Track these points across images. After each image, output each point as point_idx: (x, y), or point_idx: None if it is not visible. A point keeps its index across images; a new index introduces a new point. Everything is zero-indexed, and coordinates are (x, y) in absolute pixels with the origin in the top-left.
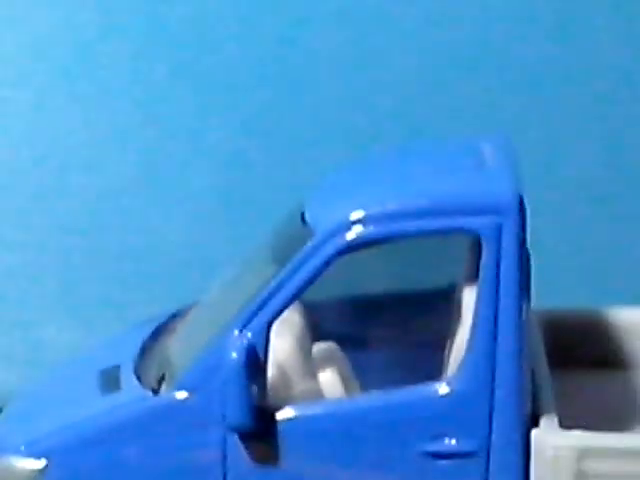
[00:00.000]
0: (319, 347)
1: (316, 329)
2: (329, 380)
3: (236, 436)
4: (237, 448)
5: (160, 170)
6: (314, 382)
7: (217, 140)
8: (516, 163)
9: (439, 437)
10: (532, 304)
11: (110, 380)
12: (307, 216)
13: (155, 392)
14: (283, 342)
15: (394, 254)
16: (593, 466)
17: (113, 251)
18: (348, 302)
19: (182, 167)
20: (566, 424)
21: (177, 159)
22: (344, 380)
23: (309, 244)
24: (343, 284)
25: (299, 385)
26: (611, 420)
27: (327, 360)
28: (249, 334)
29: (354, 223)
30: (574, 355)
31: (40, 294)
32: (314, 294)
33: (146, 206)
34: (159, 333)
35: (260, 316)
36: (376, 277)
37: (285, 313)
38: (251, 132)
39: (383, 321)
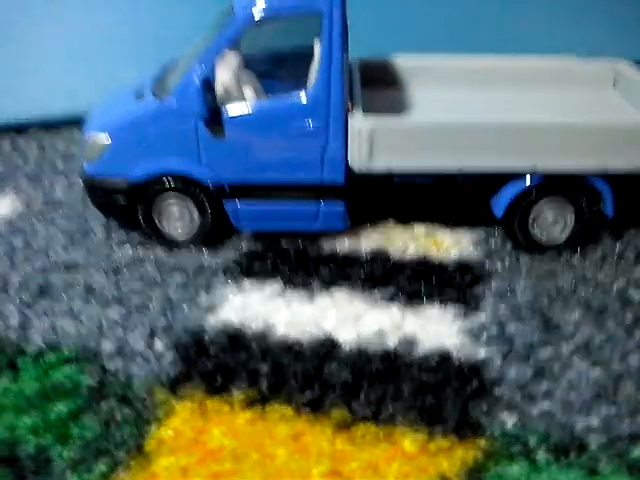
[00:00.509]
0: (244, 75)
1: (245, 65)
2: (248, 93)
3: (201, 122)
4: (203, 129)
5: None
6: (241, 93)
7: None
8: None
9: (304, 119)
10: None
11: (139, 95)
12: (234, 6)
13: (161, 100)
14: (225, 72)
15: (284, 29)
16: (379, 134)
17: None
18: (262, 54)
19: None
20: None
21: None
22: (257, 93)
23: (232, 19)
24: (258, 46)
25: (233, 95)
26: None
27: (248, 82)
28: (204, 66)
29: (256, 8)
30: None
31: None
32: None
33: None
34: (164, 71)
35: (208, 58)
36: (275, 42)
37: (227, 56)
38: None
39: (279, 65)
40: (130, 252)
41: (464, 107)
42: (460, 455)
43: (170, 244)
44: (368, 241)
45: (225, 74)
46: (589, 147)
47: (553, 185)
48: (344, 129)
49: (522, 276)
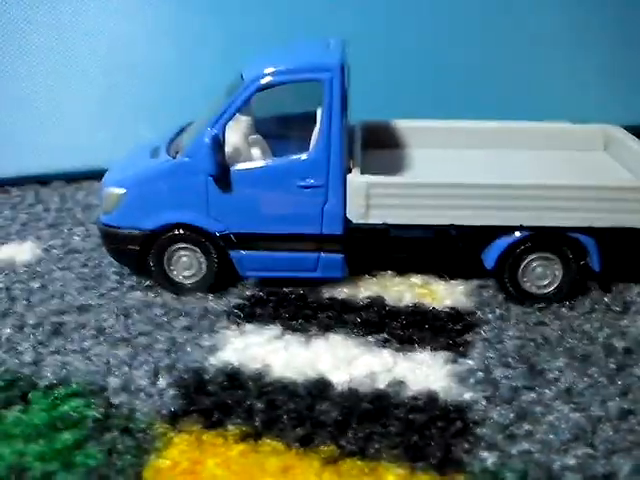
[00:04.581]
0: (254, 137)
1: (257, 128)
2: (256, 153)
3: (211, 179)
4: (212, 184)
5: None
6: (249, 153)
7: None
8: (344, 48)
9: (305, 178)
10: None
11: (154, 153)
12: (243, 75)
13: (174, 158)
14: (235, 134)
15: (288, 94)
16: (375, 191)
17: None
18: (273, 118)
19: None
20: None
21: None
22: (264, 153)
23: (242, 86)
24: (265, 109)
25: (241, 155)
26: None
27: (257, 143)
28: (214, 129)
29: (263, 76)
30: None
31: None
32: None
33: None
34: (178, 132)
35: (220, 121)
36: (281, 107)
37: (238, 120)
38: None
39: (289, 127)
40: (140, 296)
41: (461, 167)
42: None
43: (178, 289)
44: (366, 289)
45: (235, 136)
46: (572, 205)
47: (540, 240)
48: (343, 186)
49: (511, 325)
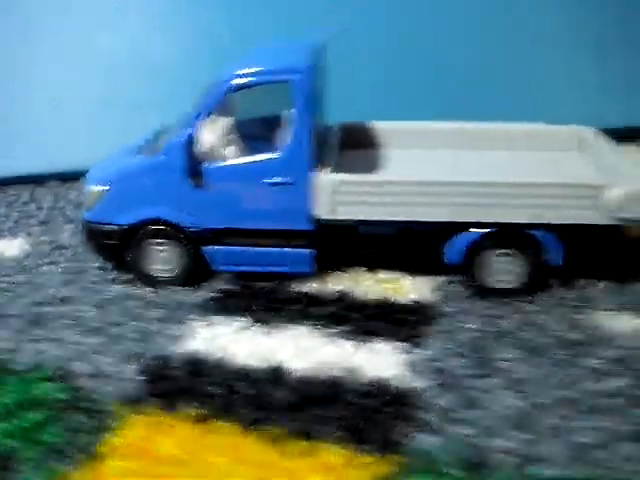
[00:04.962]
0: (230, 137)
1: (234, 129)
2: (230, 151)
3: (185, 176)
4: (187, 182)
5: None
6: (223, 152)
7: None
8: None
9: (275, 176)
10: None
11: (133, 153)
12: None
13: (151, 157)
14: (211, 133)
15: (261, 96)
16: (341, 189)
17: None
18: (250, 119)
19: None
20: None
21: None
22: (239, 152)
23: (215, 87)
24: (243, 111)
25: (216, 153)
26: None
27: (232, 142)
28: (189, 129)
29: (234, 77)
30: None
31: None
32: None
33: None
34: (157, 133)
35: (194, 121)
36: (255, 108)
37: (217, 120)
38: None
39: (265, 129)
40: (118, 289)
41: (433, 167)
42: (376, 469)
43: (155, 283)
44: (335, 284)
45: (212, 135)
46: (530, 202)
47: (500, 236)
48: (311, 184)
49: (470, 318)
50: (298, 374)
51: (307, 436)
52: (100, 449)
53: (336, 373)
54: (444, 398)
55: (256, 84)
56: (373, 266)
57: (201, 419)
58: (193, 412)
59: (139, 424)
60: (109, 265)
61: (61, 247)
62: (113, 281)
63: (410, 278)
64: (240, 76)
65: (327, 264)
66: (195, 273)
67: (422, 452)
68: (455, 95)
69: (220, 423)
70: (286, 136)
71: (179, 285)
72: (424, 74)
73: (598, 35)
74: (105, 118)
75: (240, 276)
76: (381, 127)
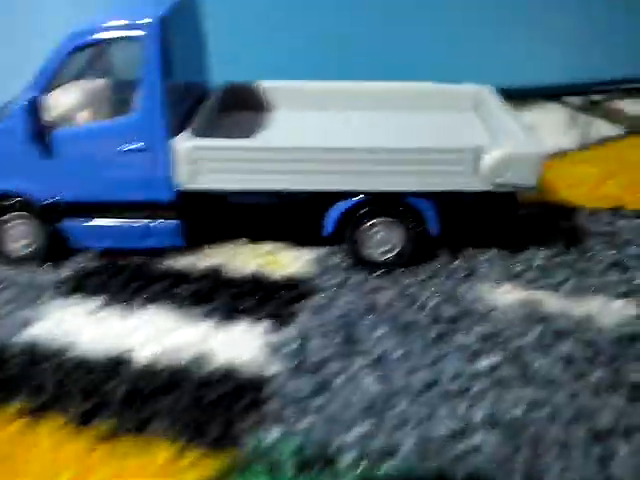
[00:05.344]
0: (83, 100)
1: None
2: (84, 116)
3: (32, 144)
4: (34, 151)
5: None
6: (77, 118)
7: None
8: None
9: (128, 142)
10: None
11: None
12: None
13: None
14: (63, 97)
15: (123, 55)
16: (201, 154)
17: None
18: (109, 81)
19: None
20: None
21: None
22: (93, 117)
23: (57, 47)
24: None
25: (69, 118)
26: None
27: (89, 106)
28: (32, 92)
29: (77, 36)
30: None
31: None
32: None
33: None
34: (8, 102)
35: (37, 84)
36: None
37: (81, 82)
38: None
39: (121, 90)
40: None
41: (312, 131)
42: (206, 467)
43: (11, 261)
44: (210, 259)
45: (63, 99)
46: (404, 169)
47: (377, 205)
48: (169, 149)
49: (345, 293)
50: (142, 362)
51: (139, 432)
52: None
53: (184, 359)
54: (295, 384)
55: (98, 42)
56: (251, 238)
57: (26, 413)
58: (19, 406)
59: None
60: None
61: None
62: None
63: (292, 251)
64: (81, 34)
65: (204, 237)
66: (55, 250)
67: (261, 447)
68: (355, 52)
69: (47, 418)
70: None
71: (38, 262)
72: (317, 30)
73: None
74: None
75: (106, 253)
76: (268, 87)
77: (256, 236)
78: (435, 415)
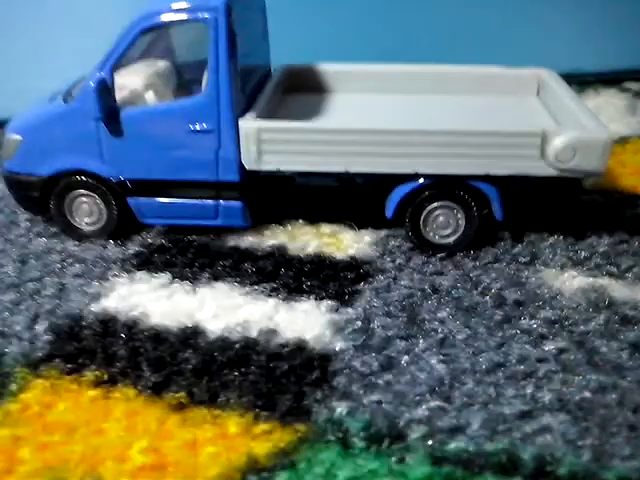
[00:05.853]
0: (152, 81)
1: (169, 73)
2: (151, 96)
3: (102, 124)
4: (104, 130)
5: None
6: (144, 98)
7: None
8: None
9: (196, 122)
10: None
11: (52, 99)
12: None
13: (66, 104)
14: (132, 77)
15: (186, 37)
16: (266, 136)
17: None
18: (179, 62)
19: None
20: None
21: None
22: (162, 97)
23: (126, 29)
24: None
25: (137, 98)
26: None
27: (153, 87)
28: (101, 73)
29: (145, 18)
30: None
31: None
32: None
33: None
34: (77, 81)
35: (106, 65)
36: (182, 50)
37: (145, 64)
38: None
39: (191, 71)
40: (43, 243)
41: (377, 113)
42: (277, 438)
43: (80, 236)
44: (272, 238)
45: (131, 79)
46: (469, 152)
47: (440, 188)
48: (235, 131)
49: (407, 274)
50: (211, 335)
51: (210, 403)
52: None
53: (252, 334)
54: (361, 361)
55: (167, 24)
56: (315, 219)
57: (102, 383)
58: (92, 375)
59: (39, 387)
60: (38, 218)
61: None
62: (39, 235)
63: (351, 232)
64: (150, 16)
65: (265, 217)
66: (123, 226)
67: (328, 420)
68: (414, 37)
69: (121, 388)
70: (205, 80)
71: (106, 238)
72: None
73: None
74: (46, 66)
75: (172, 230)
76: (328, 69)
77: (317, 217)
78: (502, 396)
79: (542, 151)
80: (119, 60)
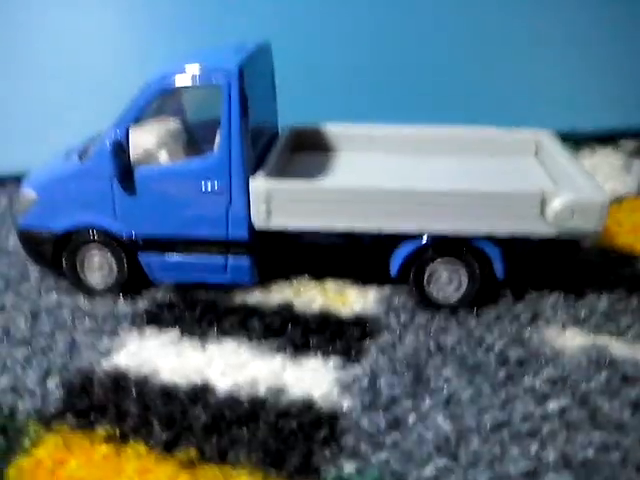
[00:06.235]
0: (164, 140)
1: (180, 132)
2: (164, 155)
3: (115, 181)
4: (117, 187)
5: None
6: (157, 157)
7: None
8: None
9: (207, 181)
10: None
11: (67, 157)
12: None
13: (82, 161)
14: (145, 136)
15: (196, 98)
16: (275, 195)
17: None
18: (192, 122)
19: None
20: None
21: None
22: (177, 156)
23: (142, 90)
24: (182, 112)
25: (150, 157)
26: (316, 177)
27: (166, 146)
28: (117, 133)
29: (161, 80)
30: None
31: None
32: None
33: None
34: (92, 138)
35: (121, 125)
36: (192, 110)
37: (159, 122)
38: None
39: (202, 132)
40: (54, 298)
41: (381, 173)
42: None
43: (90, 292)
44: (278, 295)
45: (144, 138)
46: (471, 212)
47: (443, 247)
48: (246, 190)
49: (411, 332)
50: (221, 392)
51: (220, 459)
52: (9, 472)
53: (260, 391)
54: (369, 419)
55: (182, 87)
56: (320, 276)
57: (113, 439)
58: (104, 431)
59: (51, 443)
60: (49, 273)
61: (5, 252)
62: (50, 289)
63: (357, 289)
64: (167, 78)
65: (272, 273)
66: (134, 282)
67: (337, 478)
68: (417, 99)
69: (133, 444)
70: (217, 140)
71: (116, 294)
72: (384, 75)
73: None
74: (67, 120)
75: (181, 286)
76: (333, 130)
77: (323, 274)
78: (507, 454)
79: (541, 212)
80: (134, 120)
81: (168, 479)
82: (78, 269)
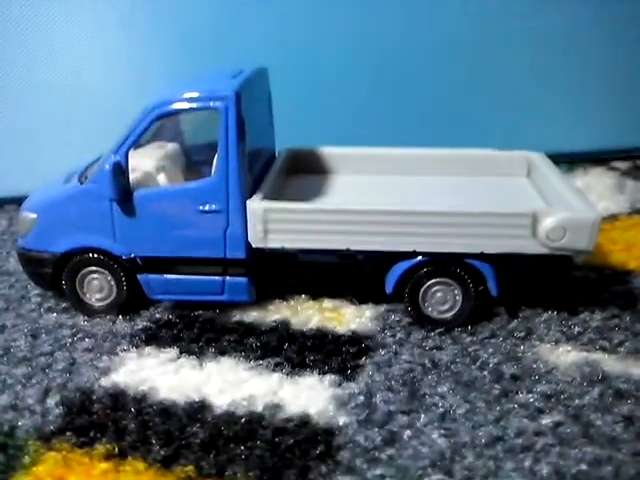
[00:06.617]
0: (162, 163)
1: (178, 155)
2: (162, 178)
3: (115, 203)
4: (117, 209)
5: None
6: (156, 180)
7: None
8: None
9: (206, 203)
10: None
11: (67, 180)
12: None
13: (82, 185)
14: (144, 160)
15: (193, 122)
16: (272, 216)
17: None
18: (189, 145)
19: None
20: (277, 198)
21: None
22: (172, 179)
23: (141, 114)
24: (180, 136)
25: (148, 180)
26: (313, 199)
27: (164, 169)
28: (116, 156)
29: (160, 105)
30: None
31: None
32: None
33: None
34: (91, 161)
35: (121, 148)
36: (189, 134)
37: (157, 146)
38: None
39: (199, 154)
40: (54, 318)
41: (376, 194)
42: None
43: (90, 312)
44: (275, 313)
45: (143, 161)
46: (464, 232)
47: (437, 265)
48: (243, 211)
49: (407, 349)
50: (218, 410)
51: (218, 476)
52: None
53: (258, 408)
54: (364, 435)
55: (180, 112)
56: (316, 294)
57: (112, 456)
58: (103, 449)
59: (51, 460)
60: (49, 293)
61: (5, 274)
62: (50, 310)
63: (353, 307)
64: (166, 104)
65: (269, 292)
66: (132, 302)
67: None
68: (411, 121)
69: (131, 461)
70: (215, 163)
71: (115, 314)
72: (379, 100)
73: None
74: (68, 143)
75: (179, 305)
76: (328, 152)
77: (320, 292)
78: (502, 469)
79: (533, 231)
80: (134, 144)
81: None
82: (78, 289)
